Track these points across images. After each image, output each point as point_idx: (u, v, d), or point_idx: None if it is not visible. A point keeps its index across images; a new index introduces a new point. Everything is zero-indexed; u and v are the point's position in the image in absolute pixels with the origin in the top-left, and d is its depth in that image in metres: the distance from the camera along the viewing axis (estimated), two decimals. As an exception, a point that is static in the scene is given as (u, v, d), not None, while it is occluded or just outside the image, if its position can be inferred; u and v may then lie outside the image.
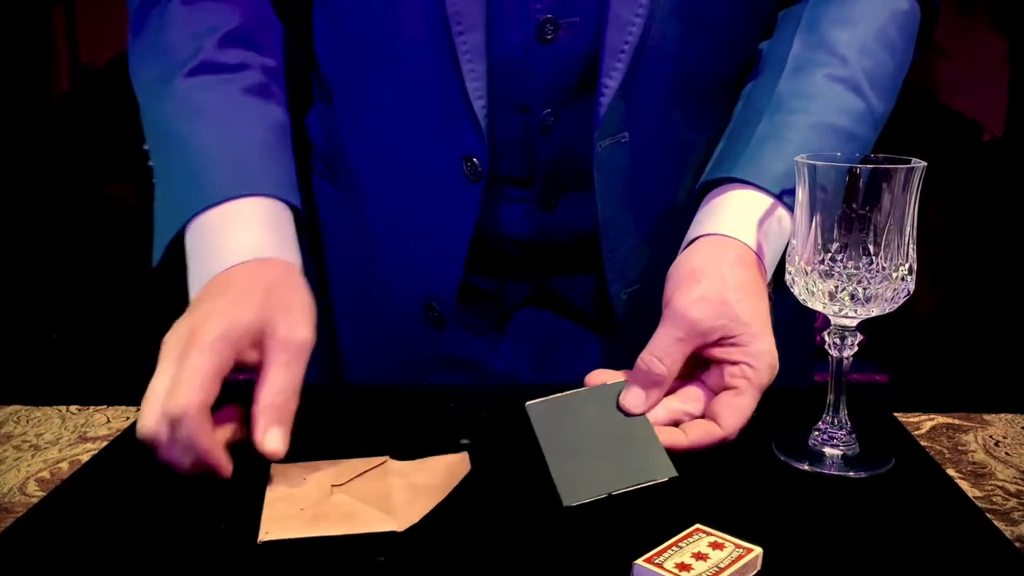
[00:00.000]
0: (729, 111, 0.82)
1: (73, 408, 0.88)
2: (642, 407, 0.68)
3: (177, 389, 0.60)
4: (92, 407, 0.88)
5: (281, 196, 0.74)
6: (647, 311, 0.73)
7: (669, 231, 0.79)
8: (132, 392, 0.70)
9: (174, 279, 0.73)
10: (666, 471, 0.63)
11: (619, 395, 0.69)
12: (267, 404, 0.63)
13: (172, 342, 0.64)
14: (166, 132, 0.77)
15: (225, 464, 0.62)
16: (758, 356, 0.68)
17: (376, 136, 0.82)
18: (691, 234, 0.74)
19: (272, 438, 0.63)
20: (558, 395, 0.69)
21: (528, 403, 0.68)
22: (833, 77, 0.76)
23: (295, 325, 0.65)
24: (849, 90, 0.76)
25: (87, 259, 2.18)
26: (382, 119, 0.80)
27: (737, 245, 0.71)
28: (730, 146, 0.77)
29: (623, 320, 0.85)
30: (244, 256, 0.70)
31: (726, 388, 0.68)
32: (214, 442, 0.62)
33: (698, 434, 0.67)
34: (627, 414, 0.68)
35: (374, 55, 0.80)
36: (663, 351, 0.68)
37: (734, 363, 0.68)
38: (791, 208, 0.72)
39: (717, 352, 0.68)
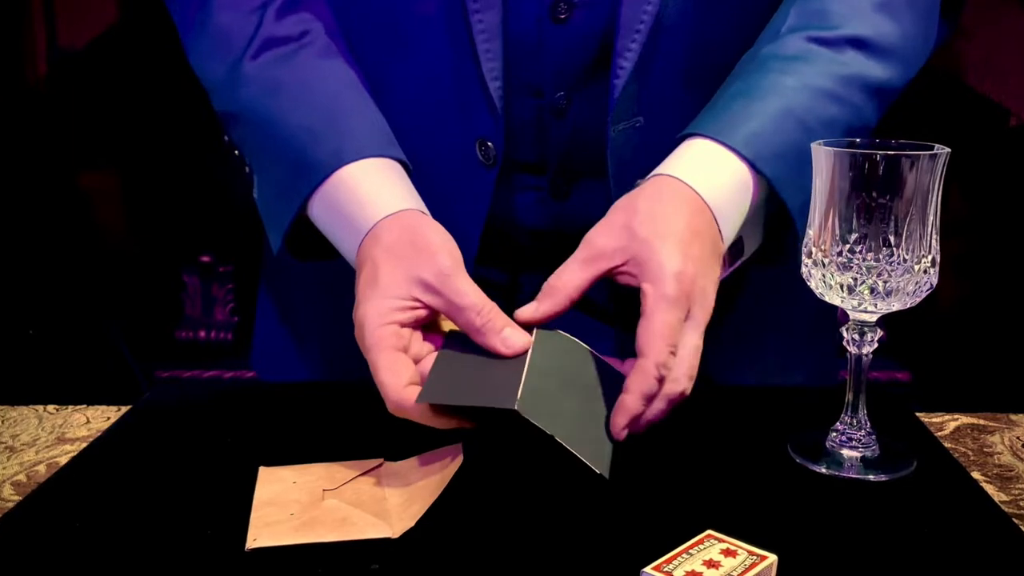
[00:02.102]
0: None
1: (51, 408, 0.88)
2: (529, 316, 0.69)
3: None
4: (71, 407, 0.88)
5: (378, 154, 0.76)
6: None
7: None
8: (112, 391, 0.70)
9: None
10: (601, 466, 0.63)
11: (604, 377, 0.69)
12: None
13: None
14: (251, 118, 0.79)
15: None
16: (656, 269, 0.67)
17: (388, 118, 0.82)
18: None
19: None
20: (569, 336, 0.71)
21: (540, 328, 0.70)
22: (818, 40, 0.77)
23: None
24: (836, 53, 0.76)
25: (64, 251, 2.17)
26: (395, 100, 0.81)
27: (675, 183, 0.72)
28: (706, 108, 0.78)
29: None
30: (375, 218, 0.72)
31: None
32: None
33: (635, 387, 0.66)
34: (519, 325, 0.69)
35: (387, 35, 0.81)
36: (563, 269, 0.70)
37: (640, 288, 0.68)
38: (753, 165, 0.73)
39: (626, 278, 0.69)
